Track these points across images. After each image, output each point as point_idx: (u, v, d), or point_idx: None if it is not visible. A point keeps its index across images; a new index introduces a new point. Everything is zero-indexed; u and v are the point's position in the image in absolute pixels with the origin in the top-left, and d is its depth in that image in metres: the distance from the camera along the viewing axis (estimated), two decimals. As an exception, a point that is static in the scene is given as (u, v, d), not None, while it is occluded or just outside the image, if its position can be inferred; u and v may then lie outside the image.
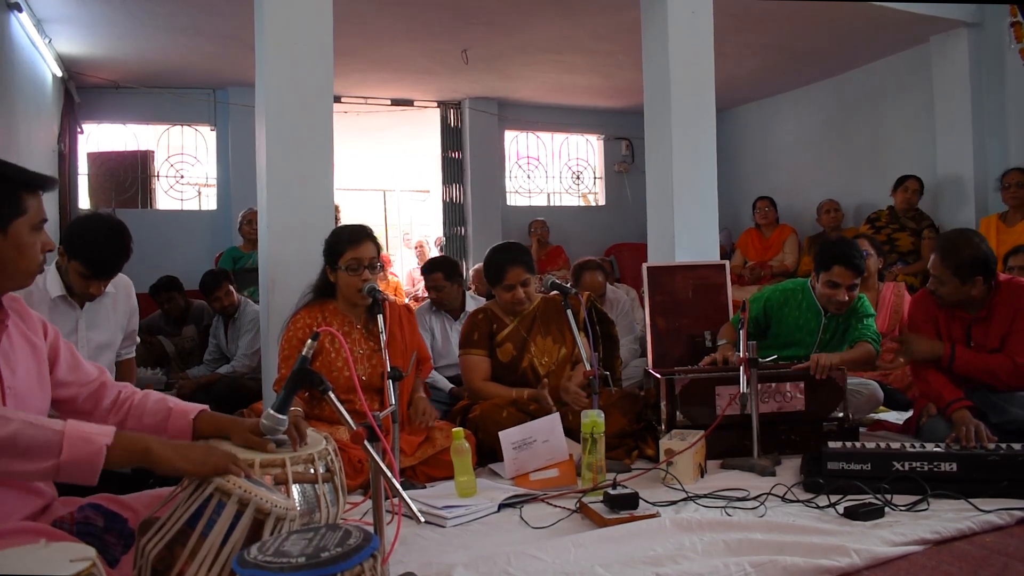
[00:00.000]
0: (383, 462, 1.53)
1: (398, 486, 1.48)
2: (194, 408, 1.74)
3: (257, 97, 3.55)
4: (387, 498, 1.68)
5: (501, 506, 2.33)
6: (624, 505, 2.16)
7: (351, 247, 2.76)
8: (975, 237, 2.83)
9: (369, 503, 1.80)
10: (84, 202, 6.72)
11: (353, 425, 1.55)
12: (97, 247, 2.50)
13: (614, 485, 2.25)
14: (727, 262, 3.98)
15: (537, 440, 2.64)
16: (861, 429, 3.21)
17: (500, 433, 2.67)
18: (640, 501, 2.20)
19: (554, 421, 2.70)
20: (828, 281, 3.13)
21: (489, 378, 3.13)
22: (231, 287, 4.46)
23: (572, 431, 2.71)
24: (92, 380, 1.72)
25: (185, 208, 7.24)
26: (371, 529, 1.39)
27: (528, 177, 8.44)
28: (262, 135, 3.41)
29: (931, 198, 5.84)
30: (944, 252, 2.80)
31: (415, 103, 7.68)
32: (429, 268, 4.14)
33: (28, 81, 5.08)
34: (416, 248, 8.82)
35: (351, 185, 10.62)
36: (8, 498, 1.46)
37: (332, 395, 1.59)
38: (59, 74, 5.78)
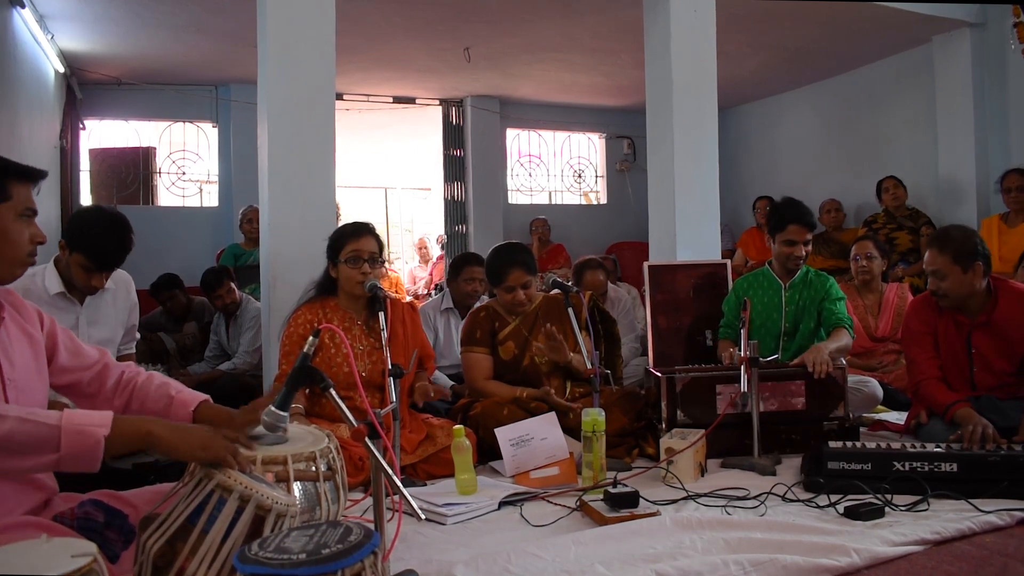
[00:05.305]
0: (384, 459, 1.53)
1: (399, 483, 1.48)
2: (193, 400, 1.75)
3: (259, 94, 3.55)
4: (388, 495, 1.68)
5: (501, 504, 2.33)
6: (624, 503, 2.16)
7: (352, 239, 2.79)
8: (963, 227, 2.86)
9: (370, 500, 1.81)
10: (86, 198, 6.71)
11: (354, 422, 1.55)
12: (99, 238, 2.50)
13: (614, 483, 2.24)
14: (728, 261, 3.99)
15: (535, 438, 2.65)
16: (862, 429, 3.21)
17: (497, 430, 2.67)
18: (640, 500, 2.20)
19: (551, 419, 2.71)
20: (785, 240, 3.27)
21: (491, 376, 3.13)
22: (232, 284, 4.45)
23: (573, 429, 2.71)
24: (95, 363, 1.74)
25: (187, 205, 7.24)
26: (372, 526, 1.39)
27: (530, 175, 8.44)
28: (264, 132, 3.42)
29: (932, 198, 5.84)
30: (939, 242, 2.80)
31: (417, 101, 7.68)
32: (474, 259, 3.90)
33: (30, 77, 5.08)
34: (418, 246, 8.80)
35: (353, 183, 10.62)
36: (9, 493, 1.46)
37: (333, 392, 1.59)
38: (61, 70, 5.78)
